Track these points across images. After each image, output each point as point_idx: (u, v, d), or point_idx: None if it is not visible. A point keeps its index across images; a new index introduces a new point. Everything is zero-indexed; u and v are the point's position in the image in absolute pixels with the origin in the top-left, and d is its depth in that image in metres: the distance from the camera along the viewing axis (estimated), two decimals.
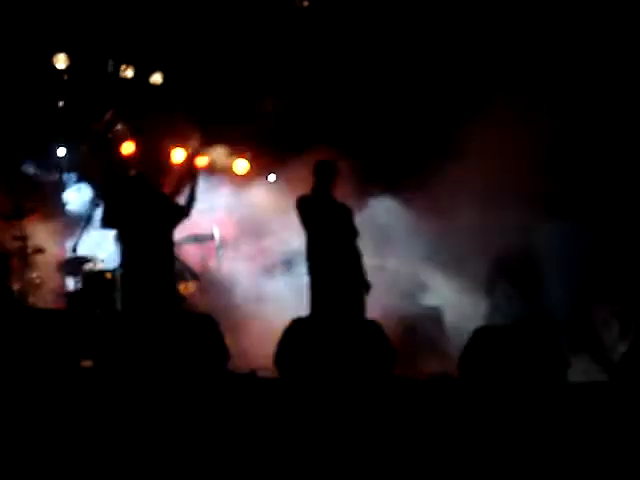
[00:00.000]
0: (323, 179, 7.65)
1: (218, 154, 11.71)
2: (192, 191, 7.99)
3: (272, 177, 11.40)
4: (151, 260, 7.35)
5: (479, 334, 6.40)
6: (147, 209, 7.43)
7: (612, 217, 9.40)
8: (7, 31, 9.72)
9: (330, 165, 7.77)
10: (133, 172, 7.85)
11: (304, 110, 11.76)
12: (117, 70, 10.75)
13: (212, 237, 10.44)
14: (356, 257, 7.65)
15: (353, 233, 7.70)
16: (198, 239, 10.35)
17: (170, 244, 7.78)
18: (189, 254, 10.27)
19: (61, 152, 10.78)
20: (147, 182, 7.63)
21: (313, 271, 7.59)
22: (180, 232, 10.22)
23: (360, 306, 7.52)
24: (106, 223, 7.50)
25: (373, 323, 6.37)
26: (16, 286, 8.82)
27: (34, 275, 9.33)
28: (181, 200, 8.12)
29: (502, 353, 6.24)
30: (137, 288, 7.37)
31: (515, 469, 5.35)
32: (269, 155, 11.46)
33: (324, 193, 7.64)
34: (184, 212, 7.91)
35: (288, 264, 10.25)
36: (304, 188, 7.87)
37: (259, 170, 11.55)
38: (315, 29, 11.05)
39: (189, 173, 8.14)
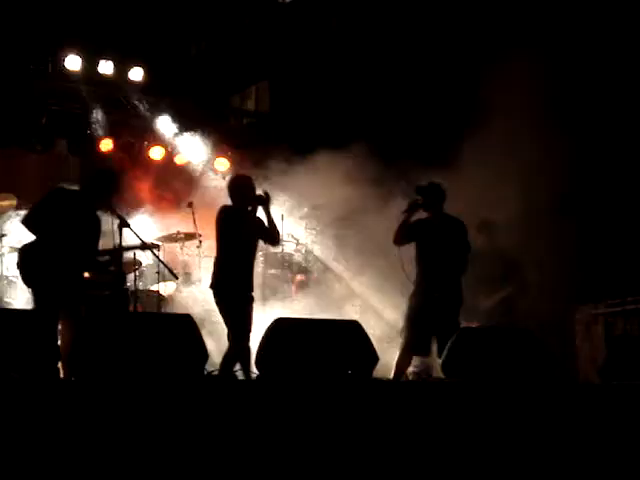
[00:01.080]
0: (240, 196, 7.67)
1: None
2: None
3: None
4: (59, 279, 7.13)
5: (462, 335, 6.31)
6: (73, 226, 7.21)
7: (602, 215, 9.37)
8: None
9: (245, 181, 7.80)
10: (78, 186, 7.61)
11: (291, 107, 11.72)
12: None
13: (195, 235, 10.30)
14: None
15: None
16: (179, 237, 10.21)
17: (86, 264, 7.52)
18: (170, 253, 10.13)
19: None
20: (88, 200, 7.40)
21: (221, 280, 7.58)
22: (162, 230, 10.19)
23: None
24: (25, 222, 7.31)
25: (355, 323, 6.26)
26: None
27: (9, 274, 9.17)
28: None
29: (485, 354, 6.15)
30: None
31: (498, 469, 5.28)
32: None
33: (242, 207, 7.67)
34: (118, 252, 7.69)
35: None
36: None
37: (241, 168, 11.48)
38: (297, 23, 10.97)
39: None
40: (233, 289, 7.50)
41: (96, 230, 7.37)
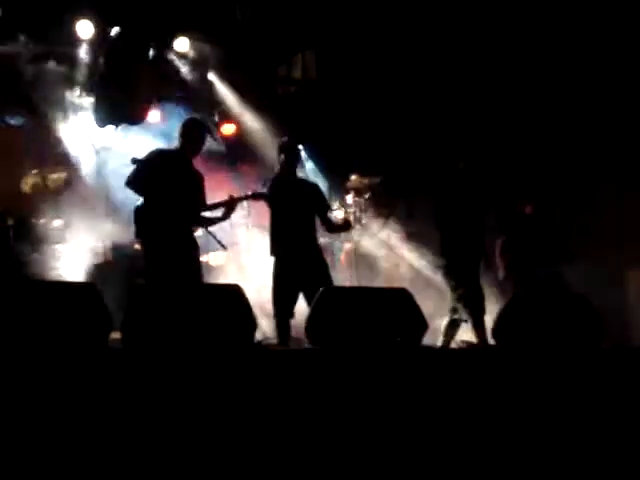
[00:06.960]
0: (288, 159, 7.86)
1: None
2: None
3: None
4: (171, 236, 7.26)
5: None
6: (177, 184, 7.33)
7: None
8: None
9: (292, 146, 7.98)
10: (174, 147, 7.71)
11: None
12: None
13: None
14: None
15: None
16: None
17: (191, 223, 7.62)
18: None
19: None
20: (186, 156, 7.56)
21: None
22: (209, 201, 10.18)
23: None
24: (128, 184, 7.42)
25: (404, 291, 6.19)
26: None
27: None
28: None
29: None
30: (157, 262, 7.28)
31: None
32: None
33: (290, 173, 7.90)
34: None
35: None
36: None
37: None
38: None
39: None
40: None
41: (199, 185, 7.56)
